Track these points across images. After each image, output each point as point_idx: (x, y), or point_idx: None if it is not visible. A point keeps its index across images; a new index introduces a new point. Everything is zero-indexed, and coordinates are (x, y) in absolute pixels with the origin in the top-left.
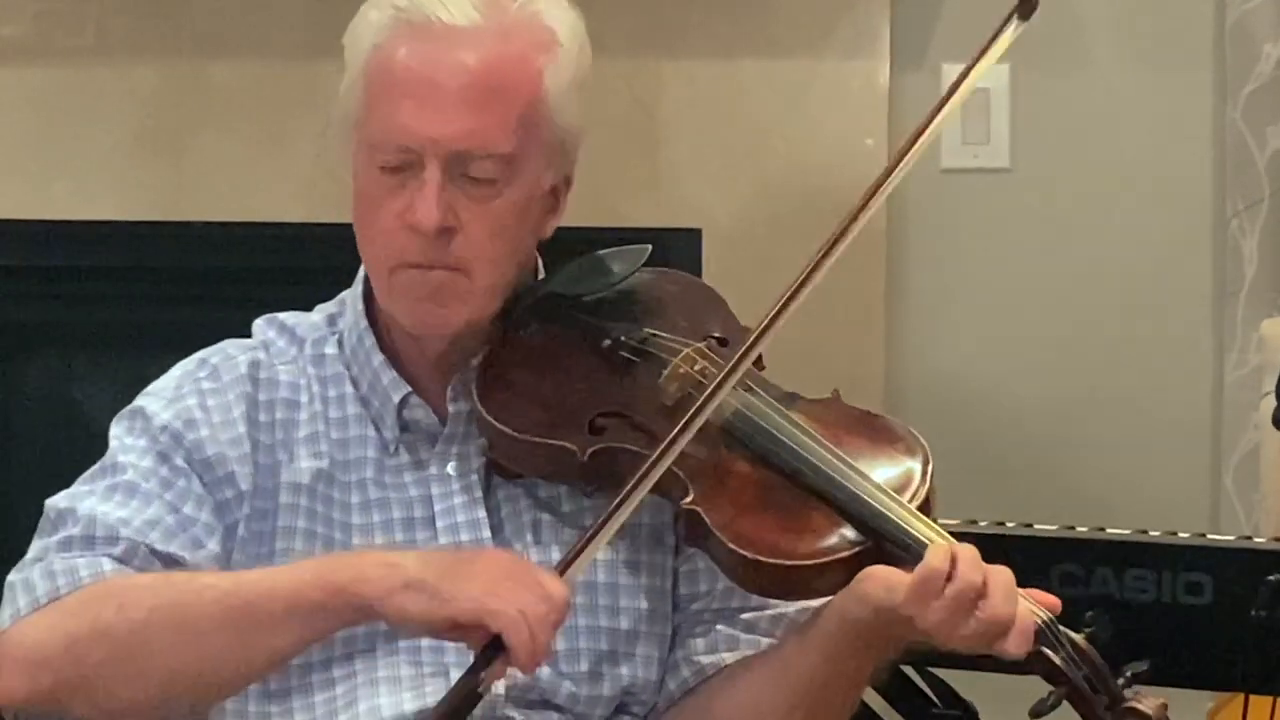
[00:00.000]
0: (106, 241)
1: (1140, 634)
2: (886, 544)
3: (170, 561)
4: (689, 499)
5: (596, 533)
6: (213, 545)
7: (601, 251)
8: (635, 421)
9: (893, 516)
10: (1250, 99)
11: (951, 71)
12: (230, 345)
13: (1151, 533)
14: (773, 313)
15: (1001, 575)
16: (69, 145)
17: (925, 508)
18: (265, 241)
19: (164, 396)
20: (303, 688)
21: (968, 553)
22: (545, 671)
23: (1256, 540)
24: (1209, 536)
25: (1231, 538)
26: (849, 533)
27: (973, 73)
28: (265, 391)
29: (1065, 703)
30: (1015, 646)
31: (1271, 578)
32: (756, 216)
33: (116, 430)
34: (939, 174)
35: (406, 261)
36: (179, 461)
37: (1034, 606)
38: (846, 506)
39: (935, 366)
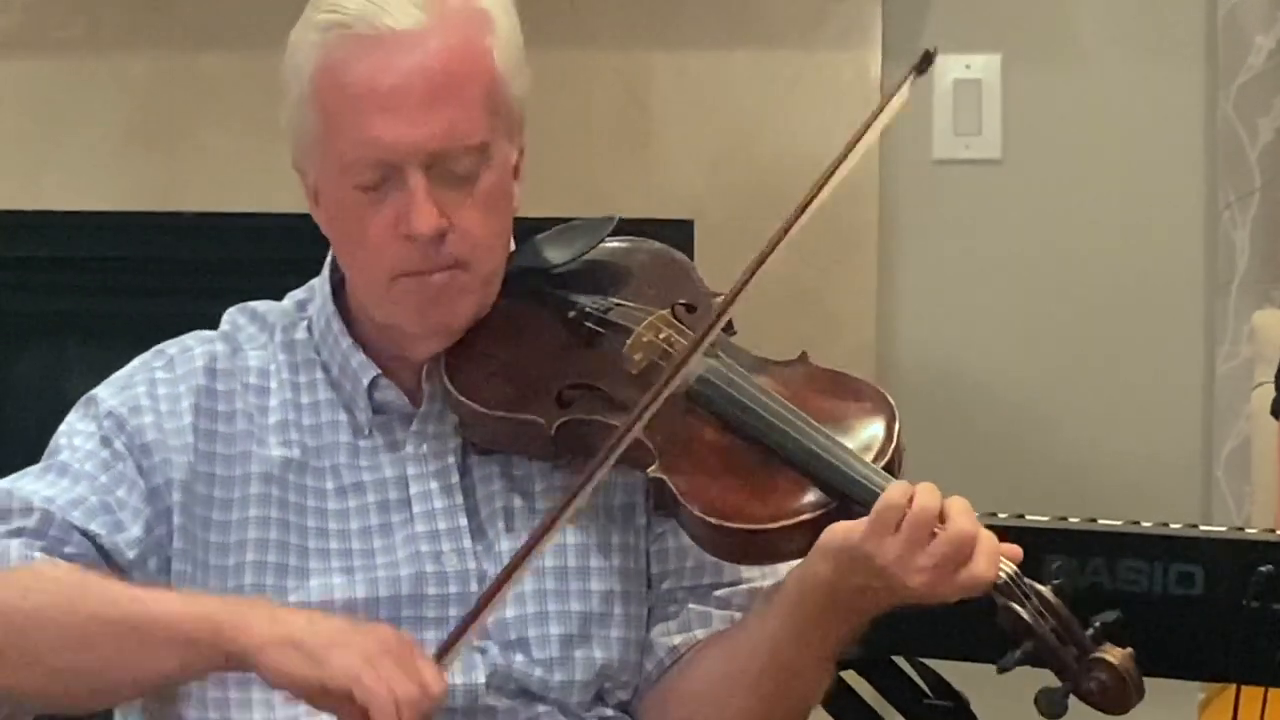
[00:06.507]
0: (98, 232)
1: (1131, 625)
2: (852, 504)
3: (87, 537)
4: (655, 466)
5: (554, 520)
6: (136, 530)
7: (568, 224)
8: (603, 392)
9: (857, 477)
10: (1242, 90)
11: (944, 62)
12: (191, 337)
13: (1143, 524)
14: (742, 280)
15: (959, 500)
16: (61, 136)
17: (891, 466)
18: (257, 232)
19: (117, 384)
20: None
21: (925, 485)
22: (518, 658)
23: (1248, 531)
24: (1200, 527)
25: (1223, 529)
26: (815, 494)
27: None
28: (224, 382)
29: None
30: (984, 568)
31: (1263, 569)
32: (748, 207)
33: (70, 416)
34: (930, 165)
35: (406, 270)
36: (119, 445)
37: (999, 559)
38: (811, 468)
39: (926, 357)
